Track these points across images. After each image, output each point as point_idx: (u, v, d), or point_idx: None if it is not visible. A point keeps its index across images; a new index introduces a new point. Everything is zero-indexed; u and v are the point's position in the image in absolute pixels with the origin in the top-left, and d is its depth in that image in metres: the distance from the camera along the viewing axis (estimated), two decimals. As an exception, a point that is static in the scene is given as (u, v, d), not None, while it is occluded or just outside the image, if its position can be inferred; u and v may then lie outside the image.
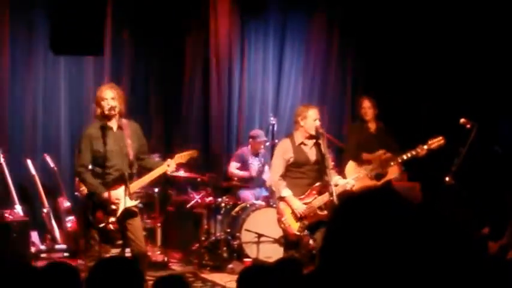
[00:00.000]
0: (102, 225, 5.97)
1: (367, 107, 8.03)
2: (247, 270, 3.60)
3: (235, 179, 8.98)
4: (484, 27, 9.07)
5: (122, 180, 5.99)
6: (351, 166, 7.62)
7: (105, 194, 5.91)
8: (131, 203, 5.99)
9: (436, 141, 7.21)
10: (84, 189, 6.72)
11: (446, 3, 9.38)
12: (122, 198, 5.97)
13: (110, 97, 5.99)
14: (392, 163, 7.38)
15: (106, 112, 5.96)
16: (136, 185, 6.13)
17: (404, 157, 7.26)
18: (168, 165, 6.15)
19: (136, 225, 6.06)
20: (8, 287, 2.84)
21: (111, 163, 5.98)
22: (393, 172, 7.59)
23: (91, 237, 6.08)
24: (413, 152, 7.21)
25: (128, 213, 6.01)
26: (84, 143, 6.00)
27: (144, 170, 6.28)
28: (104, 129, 5.98)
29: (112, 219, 5.97)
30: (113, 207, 5.94)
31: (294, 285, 3.50)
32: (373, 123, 8.08)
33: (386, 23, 9.79)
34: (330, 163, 6.77)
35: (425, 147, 7.18)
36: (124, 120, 6.07)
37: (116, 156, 5.99)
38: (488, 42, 9.08)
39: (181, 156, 6.28)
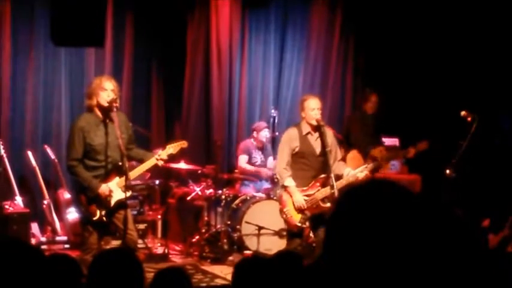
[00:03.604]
0: (96, 218, 5.97)
1: (375, 102, 8.21)
2: (243, 262, 3.59)
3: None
4: (483, 21, 9.05)
5: (116, 172, 5.97)
6: (353, 154, 7.67)
7: (100, 188, 5.90)
8: (122, 196, 5.97)
9: (422, 145, 7.36)
10: None
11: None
12: (114, 190, 5.96)
13: (110, 89, 5.94)
14: (389, 159, 7.55)
15: (106, 104, 5.89)
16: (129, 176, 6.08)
17: (396, 155, 7.49)
18: (159, 155, 6.14)
19: (127, 216, 6.02)
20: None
21: (104, 156, 5.94)
22: (387, 167, 7.85)
23: (85, 229, 6.08)
24: (405, 153, 7.40)
25: (119, 204, 6.00)
26: (76, 136, 5.91)
27: (132, 161, 6.25)
28: (97, 122, 5.95)
29: (104, 212, 5.97)
30: (107, 199, 5.93)
31: (294, 278, 3.50)
32: (372, 117, 8.24)
33: (387, 15, 9.77)
34: (339, 155, 6.78)
35: (414, 149, 7.31)
36: (113, 112, 5.94)
37: (109, 148, 5.95)
38: (487, 34, 9.06)
39: (172, 147, 6.27)
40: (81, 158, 5.93)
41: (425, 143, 7.34)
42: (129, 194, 6.04)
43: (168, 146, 6.26)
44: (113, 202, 5.97)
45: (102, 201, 5.94)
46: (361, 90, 9.95)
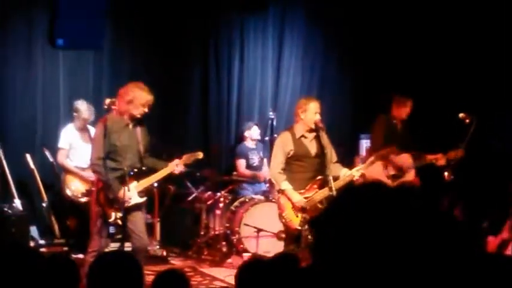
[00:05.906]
0: (111, 220, 6.00)
1: (410, 108, 7.99)
2: (246, 265, 3.59)
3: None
4: (481, 23, 9.07)
5: (134, 175, 6.05)
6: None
7: (120, 191, 5.94)
8: (139, 200, 6.06)
9: (456, 153, 7.30)
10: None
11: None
12: (131, 194, 6.01)
13: (150, 104, 6.07)
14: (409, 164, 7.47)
15: (139, 115, 6.03)
16: (145, 183, 6.16)
17: (423, 162, 7.40)
18: (177, 165, 6.24)
19: (139, 219, 6.09)
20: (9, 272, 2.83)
21: (124, 158, 6.01)
22: (410, 175, 7.69)
23: (95, 231, 6.08)
24: (433, 159, 7.33)
25: (134, 208, 6.06)
26: (102, 135, 5.95)
27: (145, 167, 6.30)
28: (122, 124, 6.05)
29: (120, 214, 5.99)
30: (126, 204, 5.97)
31: (291, 280, 3.50)
32: (403, 125, 8.07)
33: (385, 18, 9.78)
34: (334, 157, 6.76)
35: (446, 157, 7.26)
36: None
37: (130, 151, 6.05)
38: (484, 36, 9.08)
39: (188, 157, 6.39)
40: (104, 158, 5.97)
41: (460, 151, 7.26)
42: (144, 199, 6.16)
43: (184, 156, 6.38)
44: (129, 206, 6.04)
45: (119, 205, 5.98)
46: (362, 95, 9.92)
